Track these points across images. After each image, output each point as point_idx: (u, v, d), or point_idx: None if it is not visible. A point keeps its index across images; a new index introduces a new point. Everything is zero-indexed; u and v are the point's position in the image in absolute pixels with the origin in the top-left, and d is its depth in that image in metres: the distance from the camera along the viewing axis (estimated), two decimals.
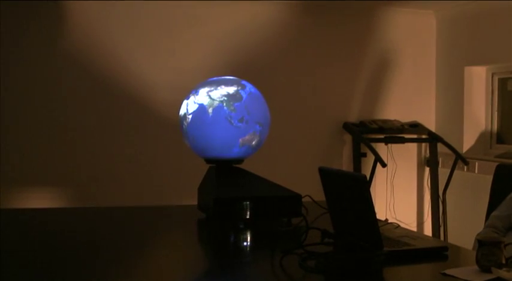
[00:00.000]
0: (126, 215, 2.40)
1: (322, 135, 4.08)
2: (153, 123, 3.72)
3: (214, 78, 2.24)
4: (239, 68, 3.71)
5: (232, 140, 2.13)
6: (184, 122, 2.17)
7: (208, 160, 2.23)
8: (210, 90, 2.14)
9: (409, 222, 4.08)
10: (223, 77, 2.25)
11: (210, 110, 2.11)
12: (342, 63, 4.11)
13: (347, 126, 4.04)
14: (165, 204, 3.18)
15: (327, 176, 1.75)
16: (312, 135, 4.06)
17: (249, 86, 2.21)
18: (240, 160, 2.23)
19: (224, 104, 2.11)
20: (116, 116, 3.69)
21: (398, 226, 1.99)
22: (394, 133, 4.00)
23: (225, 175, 2.20)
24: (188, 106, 2.17)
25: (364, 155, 3.91)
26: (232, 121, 2.11)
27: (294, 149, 4.01)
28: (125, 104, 3.69)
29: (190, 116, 2.15)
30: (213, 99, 2.12)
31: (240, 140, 2.13)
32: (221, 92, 2.13)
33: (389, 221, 2.06)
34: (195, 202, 2.27)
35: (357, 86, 4.17)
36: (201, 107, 2.12)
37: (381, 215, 3.65)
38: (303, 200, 2.13)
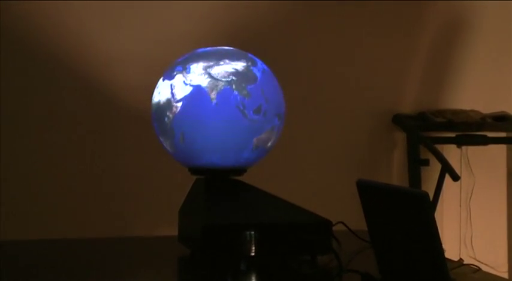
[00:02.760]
0: (76, 250, 2.41)
1: (362, 134, 4.08)
2: (112, 115, 3.71)
3: (208, 48, 2.22)
4: (239, 38, 3.69)
5: (244, 140, 2.11)
6: (168, 114, 2.12)
7: (196, 170, 2.21)
8: (209, 66, 2.10)
9: (495, 264, 4.05)
10: (221, 48, 2.23)
11: (213, 95, 2.07)
12: (393, 31, 4.12)
13: (399, 120, 4.05)
14: (130, 235, 3.19)
15: (369, 193, 1.76)
16: (347, 134, 4.05)
17: (259, 62, 2.20)
18: (242, 170, 2.22)
19: (233, 87, 2.08)
20: (60, 105, 3.68)
21: (479, 269, 2.00)
22: (471, 130, 3.99)
23: (219, 192, 2.19)
24: (174, 89, 2.12)
25: (426, 162, 3.91)
26: (246, 112, 2.08)
27: (319, 154, 4.00)
28: (74, 89, 3.69)
29: (179, 105, 2.10)
30: (216, 79, 2.08)
31: (255, 139, 2.12)
32: (225, 68, 2.10)
33: (464, 262, 2.08)
34: (175, 232, 2.28)
35: (413, 64, 4.17)
36: (198, 90, 2.08)
37: (451, 252, 3.62)
38: (334, 228, 2.14)
